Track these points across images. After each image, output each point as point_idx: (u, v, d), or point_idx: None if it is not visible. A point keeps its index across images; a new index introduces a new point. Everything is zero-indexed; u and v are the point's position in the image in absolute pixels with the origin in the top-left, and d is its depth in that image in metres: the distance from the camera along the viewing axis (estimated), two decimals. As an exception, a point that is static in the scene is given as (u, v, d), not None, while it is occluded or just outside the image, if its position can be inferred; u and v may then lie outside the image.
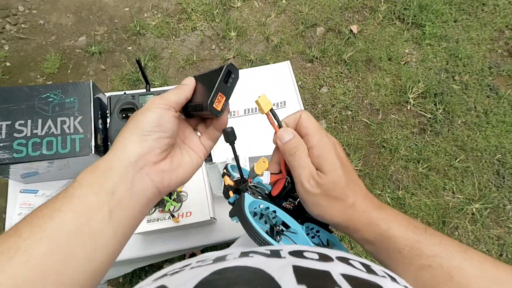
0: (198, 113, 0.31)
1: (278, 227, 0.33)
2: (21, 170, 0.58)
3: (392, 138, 1.50)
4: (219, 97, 0.28)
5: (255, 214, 0.34)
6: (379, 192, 1.42)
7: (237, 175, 0.35)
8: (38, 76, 1.58)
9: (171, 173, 0.28)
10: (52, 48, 1.63)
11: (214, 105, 0.28)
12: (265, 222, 0.35)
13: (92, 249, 0.23)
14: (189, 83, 0.31)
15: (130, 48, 1.65)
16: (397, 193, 1.41)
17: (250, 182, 0.35)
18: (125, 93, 0.62)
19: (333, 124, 1.54)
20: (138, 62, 0.58)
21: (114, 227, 0.24)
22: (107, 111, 0.61)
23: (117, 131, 0.57)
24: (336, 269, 0.19)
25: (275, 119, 0.32)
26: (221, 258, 0.22)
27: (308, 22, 1.72)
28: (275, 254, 0.22)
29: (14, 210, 0.63)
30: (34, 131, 0.54)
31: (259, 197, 0.34)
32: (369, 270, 0.21)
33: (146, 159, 0.26)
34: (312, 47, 1.66)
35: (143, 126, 0.27)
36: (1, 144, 0.53)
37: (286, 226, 0.33)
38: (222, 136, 0.32)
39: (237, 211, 0.30)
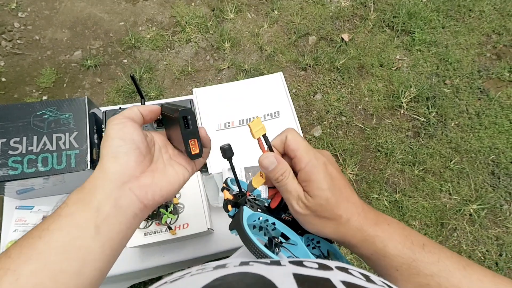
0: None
1: (277, 239, 0.33)
2: (17, 186, 0.58)
3: (387, 142, 1.52)
4: (192, 142, 0.30)
5: (254, 227, 0.34)
6: (377, 196, 1.42)
7: (236, 189, 0.36)
8: (34, 91, 1.58)
9: (154, 186, 0.29)
10: (48, 63, 1.64)
11: (193, 153, 0.31)
12: (265, 234, 0.35)
13: (81, 264, 0.24)
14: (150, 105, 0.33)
15: (125, 61, 1.67)
16: (394, 196, 1.41)
17: (249, 195, 0.36)
18: (120, 107, 0.63)
19: (328, 130, 1.56)
20: (133, 77, 0.59)
21: (101, 242, 0.25)
22: (103, 126, 0.62)
23: (112, 145, 0.57)
24: (336, 277, 0.19)
25: (267, 145, 0.31)
26: (221, 266, 0.22)
27: (300, 31, 1.75)
28: (275, 262, 0.22)
29: (9, 227, 0.63)
30: (29, 148, 0.55)
31: (258, 210, 0.34)
32: (368, 279, 0.21)
33: (126, 174, 0.27)
34: (305, 55, 1.69)
35: (110, 144, 0.28)
36: (-3, 162, 0.53)
37: (286, 238, 0.33)
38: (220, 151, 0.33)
39: (235, 224, 0.31)
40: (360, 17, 1.82)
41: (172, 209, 0.59)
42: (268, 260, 0.23)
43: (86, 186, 0.27)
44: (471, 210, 1.38)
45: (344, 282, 0.18)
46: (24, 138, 0.55)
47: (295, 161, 0.30)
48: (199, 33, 1.75)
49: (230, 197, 0.35)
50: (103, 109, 0.66)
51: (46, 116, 0.56)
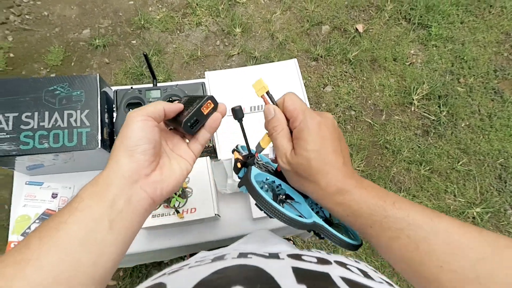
0: (179, 129, 0.34)
1: (281, 196, 0.36)
2: (27, 162, 0.58)
3: (395, 139, 1.50)
4: (208, 104, 0.32)
5: (261, 187, 0.36)
6: (381, 193, 1.42)
7: (245, 152, 0.38)
8: (42, 68, 1.57)
9: (162, 182, 0.30)
10: (56, 40, 1.62)
11: (205, 112, 0.32)
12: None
13: (97, 256, 0.25)
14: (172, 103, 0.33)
15: (134, 42, 1.65)
16: (399, 195, 1.41)
17: (258, 159, 0.38)
18: (131, 87, 0.62)
19: (337, 124, 1.54)
20: (146, 56, 0.58)
21: (115, 236, 0.27)
22: (114, 105, 0.61)
23: (123, 126, 0.56)
24: (335, 272, 0.19)
25: (271, 101, 0.33)
26: (220, 258, 0.22)
27: (314, 20, 1.71)
28: (274, 256, 0.23)
29: (19, 202, 0.63)
30: (41, 124, 0.54)
31: (266, 172, 0.37)
32: (366, 275, 0.21)
33: (138, 173, 0.28)
34: (317, 45, 1.65)
35: (127, 142, 0.28)
36: (8, 136, 0.53)
37: (291, 199, 0.36)
38: (232, 115, 0.35)
39: (244, 181, 0.33)
40: (376, 8, 1.77)
41: (181, 192, 0.59)
42: (267, 253, 0.23)
43: (100, 180, 0.28)
44: (475, 213, 1.38)
45: (343, 278, 0.19)
46: (36, 113, 0.54)
47: (292, 121, 0.31)
48: (210, 17, 1.71)
49: (240, 157, 0.37)
50: (114, 88, 0.65)
51: (57, 92, 0.56)
